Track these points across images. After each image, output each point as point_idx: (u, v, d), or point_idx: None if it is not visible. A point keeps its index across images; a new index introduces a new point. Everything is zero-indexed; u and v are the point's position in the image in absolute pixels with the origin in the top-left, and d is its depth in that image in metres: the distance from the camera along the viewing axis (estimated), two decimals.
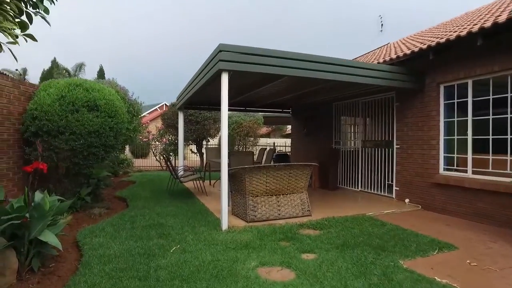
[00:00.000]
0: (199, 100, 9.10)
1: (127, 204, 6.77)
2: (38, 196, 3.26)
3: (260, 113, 14.90)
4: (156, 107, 33.96)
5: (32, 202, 3.13)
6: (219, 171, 9.85)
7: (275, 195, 5.42)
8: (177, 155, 13.93)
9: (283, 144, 18.35)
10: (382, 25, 14.26)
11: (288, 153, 12.51)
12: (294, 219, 5.37)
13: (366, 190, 8.09)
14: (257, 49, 4.86)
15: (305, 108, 10.55)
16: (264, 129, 23.79)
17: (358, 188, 8.36)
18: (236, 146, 15.51)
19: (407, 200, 6.62)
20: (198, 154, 14.30)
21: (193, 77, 6.71)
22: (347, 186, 8.82)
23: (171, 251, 3.93)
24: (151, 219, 5.39)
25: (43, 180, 5.71)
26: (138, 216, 5.57)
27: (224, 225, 4.78)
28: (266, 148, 10.73)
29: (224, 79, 4.71)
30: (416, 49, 5.66)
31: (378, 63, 6.65)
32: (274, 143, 15.84)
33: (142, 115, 13.88)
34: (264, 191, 5.30)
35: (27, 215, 3.07)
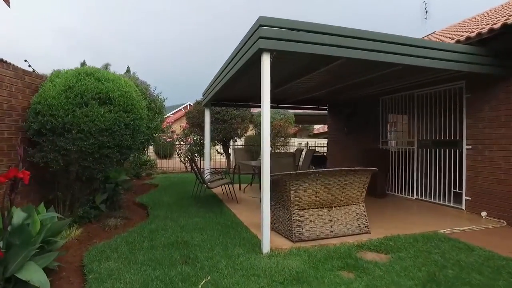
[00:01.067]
0: (227, 96, 8.15)
1: (148, 213, 5.91)
2: (19, 215, 2.37)
3: (291, 111, 13.81)
4: (181, 107, 33.52)
5: (9, 225, 2.23)
6: (250, 174, 8.97)
7: (326, 207, 4.37)
8: (203, 156, 13.10)
9: (313, 144, 17.18)
10: (426, 12, 12.89)
11: (324, 154, 11.37)
12: (349, 238, 4.30)
13: (423, 198, 6.86)
14: (308, 24, 3.83)
15: (346, 104, 9.39)
16: (290, 129, 22.68)
17: (412, 195, 7.14)
18: None
19: (483, 214, 5.38)
20: (224, 155, 13.40)
21: (223, 66, 5.75)
22: (397, 192, 7.60)
23: (200, 286, 2.96)
24: (174, 235, 4.46)
25: (50, 187, 4.93)
26: (159, 230, 4.67)
27: (266, 247, 3.77)
28: (302, 149, 9.65)
29: (266, 61, 3.70)
30: (510, 21, 4.43)
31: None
32: (307, 143, 14.70)
33: (166, 116, 13.16)
34: (313, 203, 4.26)
35: (2, 244, 2.18)
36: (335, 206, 4.42)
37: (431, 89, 6.59)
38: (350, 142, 9.40)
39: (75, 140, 4.12)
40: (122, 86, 4.63)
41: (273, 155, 9.77)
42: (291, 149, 14.54)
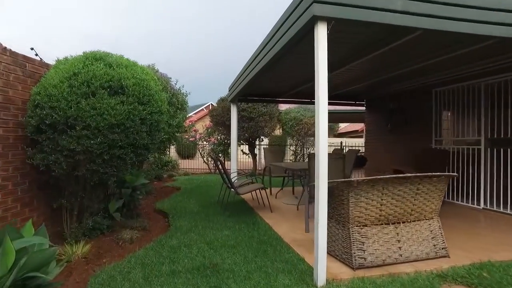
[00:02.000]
0: (257, 89, 7.24)
1: (169, 223, 5.12)
2: None
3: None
4: (203, 107, 33.06)
5: None
6: (282, 177, 8.07)
7: (392, 223, 3.41)
8: (227, 156, 12.28)
9: (343, 144, 16.06)
10: None
11: (363, 155, 10.30)
12: (424, 264, 3.33)
13: (495, 208, 5.70)
14: None
15: (389, 98, 8.30)
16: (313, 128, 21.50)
17: (478, 204, 5.99)
18: (294, 146, 13.52)
19: None
20: (250, 156, 12.54)
21: (257, 51, 4.87)
22: (458, 200, 6.47)
23: None
24: (200, 255, 3.63)
25: (57, 193, 4.22)
26: (182, 248, 3.85)
27: (321, 278, 2.85)
28: (342, 149, 8.66)
29: (322, 34, 2.79)
30: None
31: None
32: (341, 143, 13.61)
33: (188, 115, 12.43)
34: (377, 218, 3.31)
35: None
36: (403, 222, 3.45)
37: (503, 77, 5.46)
38: (394, 141, 8.31)
39: (80, 139, 3.35)
40: (138, 73, 3.83)
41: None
42: None
